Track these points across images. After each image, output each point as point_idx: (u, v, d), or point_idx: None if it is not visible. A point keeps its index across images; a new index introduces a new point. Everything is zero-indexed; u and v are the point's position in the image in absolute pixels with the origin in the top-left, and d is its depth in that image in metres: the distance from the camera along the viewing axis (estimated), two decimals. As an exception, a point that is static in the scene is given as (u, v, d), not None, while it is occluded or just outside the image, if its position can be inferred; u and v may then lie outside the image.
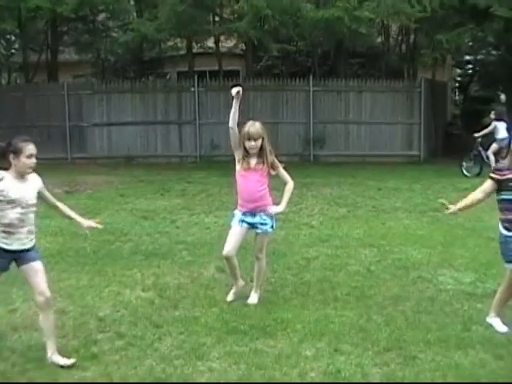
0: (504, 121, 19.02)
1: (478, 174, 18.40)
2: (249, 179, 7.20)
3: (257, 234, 7.39)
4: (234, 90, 7.00)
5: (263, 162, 7.17)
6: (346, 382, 5.07)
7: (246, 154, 7.16)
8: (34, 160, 5.82)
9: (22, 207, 5.78)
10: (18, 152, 5.73)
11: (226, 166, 19.83)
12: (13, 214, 5.74)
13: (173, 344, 6.30)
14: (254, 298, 7.48)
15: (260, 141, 7.09)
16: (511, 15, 20.76)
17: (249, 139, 7.05)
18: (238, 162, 7.26)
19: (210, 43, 26.12)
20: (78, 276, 8.61)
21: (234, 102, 7.08)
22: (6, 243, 5.77)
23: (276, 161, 7.27)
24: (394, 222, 12.39)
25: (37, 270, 5.85)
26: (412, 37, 27.04)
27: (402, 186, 16.77)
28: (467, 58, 31.29)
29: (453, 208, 7.11)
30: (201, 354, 6.01)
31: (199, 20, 21.84)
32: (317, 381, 5.47)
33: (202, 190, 16.24)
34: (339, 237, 10.89)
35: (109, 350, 6.15)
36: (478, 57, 29.84)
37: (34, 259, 5.88)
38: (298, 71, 26.51)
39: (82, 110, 24.09)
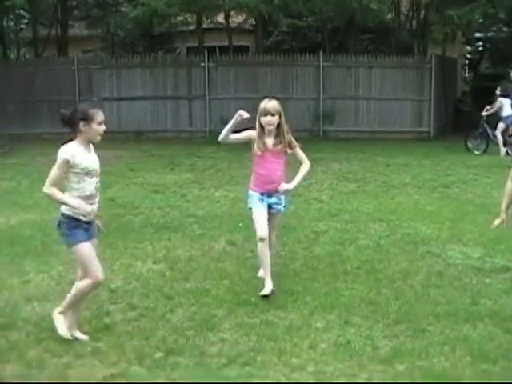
0: (509, 97, 19.01)
1: (484, 151, 18.47)
2: (267, 160, 6.89)
3: (271, 214, 7.04)
4: (244, 114, 6.73)
5: (281, 142, 6.88)
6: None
7: (262, 131, 6.86)
8: (104, 127, 5.63)
9: (97, 176, 5.70)
10: (88, 119, 5.54)
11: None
12: (91, 185, 5.63)
13: (184, 315, 6.38)
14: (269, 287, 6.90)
15: (277, 117, 6.81)
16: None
17: (265, 115, 6.77)
18: (253, 144, 6.93)
19: (220, 18, 25.99)
20: (89, 248, 8.68)
21: (234, 119, 6.86)
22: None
23: (293, 140, 7.00)
24: (403, 197, 12.43)
25: (95, 246, 5.81)
26: (422, 13, 26.86)
27: (411, 162, 16.78)
28: (478, 35, 31.18)
29: (503, 216, 6.72)
30: (212, 326, 6.09)
31: (209, -5, 21.79)
32: (327, 351, 5.54)
33: (212, 165, 16.29)
34: (349, 211, 10.94)
35: (121, 321, 6.23)
36: (489, 34, 29.74)
37: (94, 235, 5.82)
38: (307, 47, 26.41)
39: (91, 85, 24.10)
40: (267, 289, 6.75)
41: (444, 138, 22.49)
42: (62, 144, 5.62)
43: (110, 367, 5.27)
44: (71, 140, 5.61)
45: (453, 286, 7.25)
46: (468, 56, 34.62)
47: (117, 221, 10.33)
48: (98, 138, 5.64)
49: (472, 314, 6.33)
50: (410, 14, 27.93)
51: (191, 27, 26.64)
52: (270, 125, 6.82)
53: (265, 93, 23.02)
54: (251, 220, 7.09)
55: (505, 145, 18.47)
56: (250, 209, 7.07)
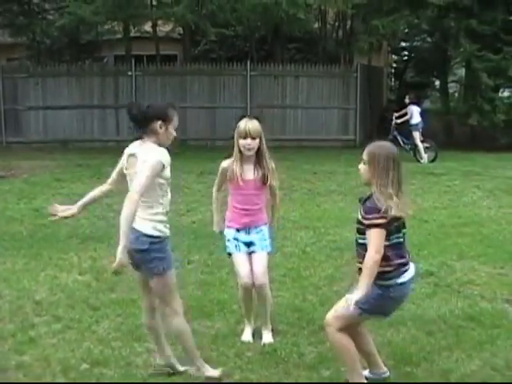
0: (418, 105, 19.67)
1: None
2: (243, 189, 5.93)
3: (254, 253, 6.02)
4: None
5: (261, 171, 5.92)
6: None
7: (240, 156, 5.87)
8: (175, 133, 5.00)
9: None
10: (168, 120, 4.89)
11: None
12: (170, 196, 5.04)
13: (110, 326, 6.34)
14: (268, 337, 6.06)
15: (257, 141, 5.81)
16: (444, 2, 21.21)
17: (245, 137, 5.76)
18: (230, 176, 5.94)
19: (148, 27, 25.91)
20: (13, 260, 8.56)
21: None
22: (167, 228, 5.03)
23: (274, 171, 6.01)
24: (329, 204, 12.58)
25: None
26: (349, 22, 27.29)
27: (337, 170, 17.00)
28: (403, 44, 31.72)
29: None
30: (138, 336, 6.06)
31: (136, 3, 21.66)
32: (253, 359, 5.57)
33: (139, 175, 16.16)
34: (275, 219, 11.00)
35: (46, 334, 6.15)
36: (414, 43, 30.28)
37: None
38: (235, 56, 26.50)
39: (17, 93, 23.69)
40: (245, 336, 6.11)
41: (370, 145, 22.85)
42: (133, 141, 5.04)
43: (34, 381, 5.20)
44: (140, 138, 4.97)
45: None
46: (394, 65, 35.20)
47: (42, 231, 10.22)
48: (169, 143, 4.98)
49: (396, 319, 6.41)
50: (337, 23, 28.32)
51: (118, 36, 26.48)
52: (249, 149, 5.83)
53: (193, 102, 23.13)
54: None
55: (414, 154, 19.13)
56: (229, 254, 6.14)
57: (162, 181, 4.83)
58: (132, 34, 26.00)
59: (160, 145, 4.88)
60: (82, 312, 6.71)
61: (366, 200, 4.72)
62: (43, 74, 23.97)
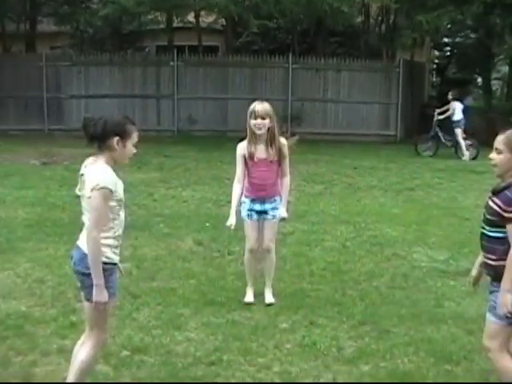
0: (461, 102, 19.48)
1: (434, 154, 18.94)
2: (258, 168, 6.49)
3: (266, 220, 6.69)
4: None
5: (272, 150, 6.44)
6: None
7: (253, 137, 6.41)
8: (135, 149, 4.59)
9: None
10: (126, 136, 4.47)
11: (204, 141, 20.11)
12: (123, 217, 4.57)
13: (150, 314, 6.38)
14: (270, 298, 6.77)
15: (268, 121, 6.32)
16: (490, -2, 20.98)
17: (255, 117, 6.30)
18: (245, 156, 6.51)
19: (190, 18, 25.96)
20: (55, 246, 8.63)
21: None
22: (116, 255, 4.56)
23: (285, 150, 6.55)
24: (369, 199, 12.53)
25: None
26: (392, 17, 27.11)
27: (377, 165, 16.93)
28: (446, 40, 31.43)
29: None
30: (178, 325, 6.10)
31: (180, -6, 21.75)
32: (292, 351, 5.58)
33: (179, 164, 16.27)
34: (315, 213, 10.99)
35: (87, 319, 6.21)
36: (456, 39, 29.99)
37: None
38: (277, 48, 26.47)
39: (59, 82, 23.96)
40: (247, 297, 6.80)
41: (410, 141, 22.67)
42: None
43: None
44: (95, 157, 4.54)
45: (418, 288, 7.33)
46: (436, 61, 34.91)
47: (83, 220, 10.28)
48: (127, 161, 4.58)
49: (436, 316, 6.41)
50: (380, 18, 28.14)
51: (161, 26, 26.58)
52: (259, 128, 6.34)
53: (234, 93, 23.19)
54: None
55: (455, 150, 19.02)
56: (243, 218, 6.74)
57: (112, 203, 4.37)
58: (174, 25, 26.06)
59: (115, 162, 4.48)
60: (122, 299, 6.73)
61: (503, 189, 4.31)
62: (86, 62, 24.20)
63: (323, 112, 23.77)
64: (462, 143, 19.02)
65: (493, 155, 4.38)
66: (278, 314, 6.41)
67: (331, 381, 5.13)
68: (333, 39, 27.87)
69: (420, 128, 23.53)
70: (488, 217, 4.40)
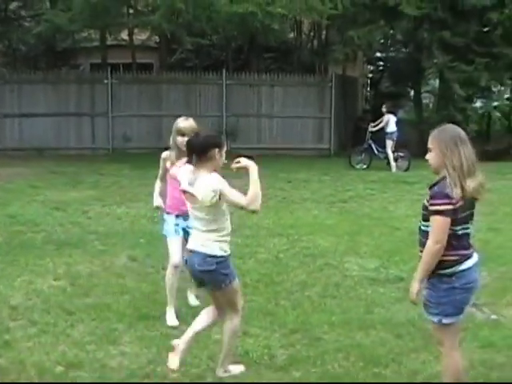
0: (395, 114, 19.95)
1: (367, 167, 19.30)
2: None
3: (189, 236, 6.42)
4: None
5: None
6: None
7: (179, 152, 6.48)
8: None
9: None
10: (222, 147, 5.24)
11: (138, 159, 20.07)
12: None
13: (85, 330, 6.41)
14: (194, 299, 7.23)
15: None
16: (418, 14, 21.46)
17: (182, 135, 6.47)
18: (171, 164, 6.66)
19: (124, 35, 26.00)
20: (-12, 266, 8.59)
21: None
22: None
23: None
24: (302, 212, 12.72)
25: None
26: (324, 33, 27.54)
27: (311, 178, 17.18)
28: (379, 54, 31.96)
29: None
30: (113, 339, 6.16)
31: (113, 12, 21.71)
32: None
33: (114, 182, 16.25)
34: (249, 226, 11.10)
35: (21, 337, 6.21)
36: (389, 54, 30.54)
37: None
38: (211, 65, 26.66)
39: (-8, 101, 23.66)
40: (171, 321, 6.64)
41: (344, 154, 23.00)
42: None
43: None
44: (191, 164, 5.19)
45: (348, 296, 7.51)
46: (370, 75, 35.44)
47: (18, 238, 10.25)
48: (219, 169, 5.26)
49: (366, 322, 6.59)
50: (312, 33, 28.56)
51: (95, 43, 26.53)
52: (184, 145, 5.99)
53: (168, 110, 23.21)
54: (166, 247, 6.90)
55: (395, 160, 19.34)
56: (164, 236, 6.84)
57: (224, 206, 5.18)
58: (108, 42, 26.08)
59: (214, 171, 5.16)
60: (57, 316, 6.77)
61: (434, 185, 4.54)
62: (19, 81, 23.90)
63: (258, 127, 23.98)
64: (390, 155, 19.47)
65: (427, 155, 4.65)
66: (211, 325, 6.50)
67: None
68: (267, 55, 28.21)
69: (354, 141, 23.92)
70: (422, 211, 4.62)
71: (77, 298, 7.35)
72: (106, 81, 23.62)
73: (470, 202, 4.54)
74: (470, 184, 4.43)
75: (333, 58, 25.44)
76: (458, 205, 4.42)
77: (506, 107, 25.27)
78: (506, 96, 26.24)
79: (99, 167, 18.85)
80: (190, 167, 5.22)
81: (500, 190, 15.73)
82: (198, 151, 5.13)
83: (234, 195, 5.09)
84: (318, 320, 6.63)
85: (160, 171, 6.91)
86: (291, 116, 23.91)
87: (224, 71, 24.08)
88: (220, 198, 5.05)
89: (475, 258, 4.65)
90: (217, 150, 5.15)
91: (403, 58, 28.30)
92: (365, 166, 19.69)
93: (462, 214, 4.48)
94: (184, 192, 5.26)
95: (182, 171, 5.42)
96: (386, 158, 19.74)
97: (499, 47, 22.17)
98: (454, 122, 16.49)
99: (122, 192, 14.91)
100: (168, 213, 6.76)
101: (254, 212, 5.28)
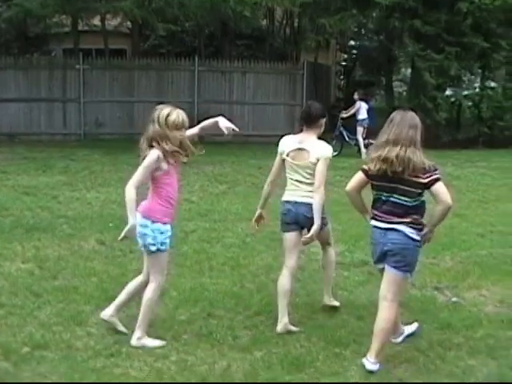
0: (366, 102, 20.08)
1: (338, 153, 19.39)
2: (173, 176, 5.91)
3: None
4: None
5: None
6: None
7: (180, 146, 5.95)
8: None
9: None
10: (325, 117, 6.48)
11: (110, 145, 20.07)
12: None
13: (52, 312, 6.50)
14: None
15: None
16: (390, 2, 21.60)
17: (185, 128, 6.03)
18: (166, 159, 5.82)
19: (96, 21, 25.87)
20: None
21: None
22: None
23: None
24: (271, 198, 12.76)
25: None
26: (296, 20, 27.60)
27: (282, 165, 17.23)
28: (352, 43, 32.08)
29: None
30: (79, 321, 6.25)
31: (84, -3, 21.63)
32: (189, 341, 5.80)
33: (85, 167, 16.23)
34: (218, 211, 11.23)
35: (-12, 319, 6.28)
36: (362, 42, 30.66)
37: None
38: (184, 51, 26.60)
39: (-38, 86, 23.49)
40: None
41: (316, 141, 23.19)
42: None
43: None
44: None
45: (313, 279, 7.66)
46: (343, 63, 35.53)
47: (-14, 222, 10.28)
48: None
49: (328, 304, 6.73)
50: (284, 21, 28.60)
51: (67, 29, 26.38)
52: (185, 139, 6.05)
53: (140, 96, 23.22)
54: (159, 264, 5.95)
55: (365, 147, 19.48)
56: (158, 250, 5.75)
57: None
58: (81, 28, 25.92)
59: (319, 138, 6.37)
60: (24, 299, 6.84)
61: None
62: (-10, 66, 23.74)
63: (229, 114, 23.91)
64: (361, 142, 19.63)
65: None
66: (177, 307, 6.62)
67: (225, 367, 5.37)
68: (239, 42, 28.19)
69: (326, 128, 24.05)
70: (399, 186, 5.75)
71: (44, 281, 7.43)
72: (77, 66, 23.48)
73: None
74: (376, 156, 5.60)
75: (304, 45, 25.55)
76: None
77: (475, 96, 25.48)
78: (476, 85, 26.48)
79: (70, 152, 18.80)
80: (291, 136, 6.50)
81: (468, 176, 15.98)
82: (314, 119, 6.35)
83: (320, 173, 6.30)
84: (282, 302, 6.75)
85: (142, 177, 5.73)
86: (263, 103, 24.00)
87: (196, 58, 24.08)
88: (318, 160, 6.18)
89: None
90: (324, 119, 6.39)
91: (375, 46, 28.43)
92: (335, 153, 19.78)
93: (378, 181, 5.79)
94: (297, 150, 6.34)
95: (284, 140, 6.53)
96: (357, 144, 19.90)
97: (469, 37, 22.41)
98: (424, 110, 16.67)
99: (93, 177, 14.93)
100: (165, 223, 5.77)
101: None
